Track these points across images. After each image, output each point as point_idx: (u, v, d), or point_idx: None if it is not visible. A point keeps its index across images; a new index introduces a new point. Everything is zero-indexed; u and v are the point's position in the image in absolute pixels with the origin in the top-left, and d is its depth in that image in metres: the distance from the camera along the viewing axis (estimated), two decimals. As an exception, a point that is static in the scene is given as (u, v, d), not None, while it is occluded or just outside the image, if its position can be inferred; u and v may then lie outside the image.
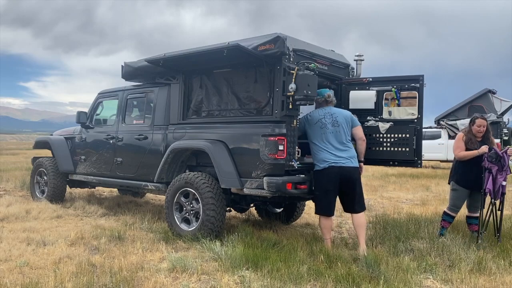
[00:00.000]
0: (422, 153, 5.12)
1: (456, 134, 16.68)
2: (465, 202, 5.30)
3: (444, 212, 5.31)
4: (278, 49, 4.52)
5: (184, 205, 5.22)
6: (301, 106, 4.73)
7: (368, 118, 5.32)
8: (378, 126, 5.21)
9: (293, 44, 4.70)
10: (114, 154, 6.49)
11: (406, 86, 5.07)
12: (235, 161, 4.87)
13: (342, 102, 5.45)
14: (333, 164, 4.51)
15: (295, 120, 4.66)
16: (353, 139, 4.82)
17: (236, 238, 4.78)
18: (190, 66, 5.51)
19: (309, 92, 4.40)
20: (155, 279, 3.66)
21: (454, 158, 5.33)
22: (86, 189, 8.39)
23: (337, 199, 4.72)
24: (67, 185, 7.59)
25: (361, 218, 4.65)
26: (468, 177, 5.06)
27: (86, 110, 7.27)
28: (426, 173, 15.20)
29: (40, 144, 8.09)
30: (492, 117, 15.94)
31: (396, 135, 5.08)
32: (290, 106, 4.51)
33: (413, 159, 5.07)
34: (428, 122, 19.90)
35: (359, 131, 4.82)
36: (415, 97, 5.03)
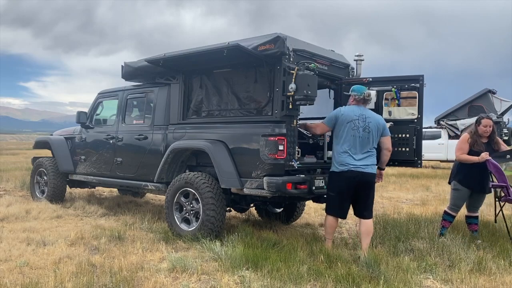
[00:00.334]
0: (422, 153, 5.11)
1: (456, 134, 16.71)
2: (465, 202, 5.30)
3: (445, 212, 5.31)
4: (278, 49, 4.52)
5: (184, 205, 5.22)
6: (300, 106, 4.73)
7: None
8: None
9: (293, 44, 4.70)
10: (114, 154, 6.49)
11: (406, 86, 5.07)
12: (235, 161, 4.87)
13: (342, 102, 5.44)
14: (352, 169, 4.38)
15: (295, 120, 4.66)
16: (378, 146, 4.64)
17: (236, 238, 4.77)
18: (190, 66, 5.51)
19: (309, 92, 4.40)
20: (155, 279, 3.66)
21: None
22: (86, 189, 8.39)
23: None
24: (67, 185, 7.60)
25: (370, 225, 4.54)
26: (471, 177, 5.06)
27: (86, 110, 7.27)
28: (426, 173, 15.21)
29: (40, 144, 8.09)
30: (492, 117, 15.90)
31: (396, 135, 5.07)
32: (290, 106, 4.51)
33: (413, 159, 5.06)
34: (428, 122, 19.89)
35: (387, 141, 4.61)
36: (415, 97, 5.02)
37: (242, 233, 4.89)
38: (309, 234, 5.51)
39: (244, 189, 4.78)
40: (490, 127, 5.08)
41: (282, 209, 6.42)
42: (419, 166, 5.12)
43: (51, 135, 8.07)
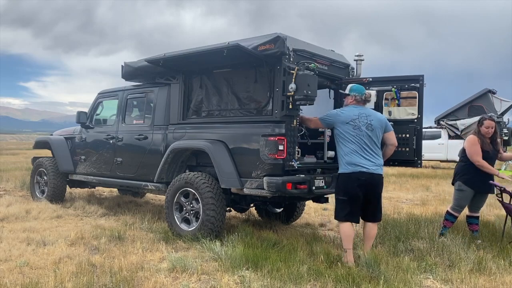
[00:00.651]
0: (422, 153, 5.11)
1: (456, 134, 16.70)
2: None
3: (447, 212, 5.30)
4: (278, 49, 4.51)
5: (184, 205, 5.22)
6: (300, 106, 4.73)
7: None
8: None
9: (293, 44, 4.70)
10: (114, 154, 6.49)
11: (406, 86, 5.06)
12: (235, 161, 4.87)
13: (343, 102, 5.44)
14: (364, 170, 4.18)
15: (295, 120, 4.66)
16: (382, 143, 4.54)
17: (236, 238, 4.77)
18: (190, 66, 5.51)
19: (309, 92, 4.39)
20: (155, 279, 3.66)
21: (460, 159, 5.30)
22: (86, 189, 8.40)
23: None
24: (67, 185, 7.60)
25: (375, 229, 4.44)
26: (477, 178, 5.05)
27: (86, 110, 7.27)
28: (426, 173, 15.21)
29: (40, 144, 8.09)
30: (492, 117, 15.90)
31: (396, 135, 5.07)
32: (290, 106, 4.51)
33: (413, 159, 5.06)
34: (428, 122, 19.86)
35: (392, 136, 4.49)
36: (415, 97, 5.02)
37: (242, 233, 4.89)
38: (309, 234, 5.51)
39: (244, 189, 4.78)
40: (492, 128, 5.08)
41: (282, 209, 6.42)
42: (419, 166, 5.11)
43: (51, 135, 8.07)
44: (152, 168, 5.75)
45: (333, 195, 4.61)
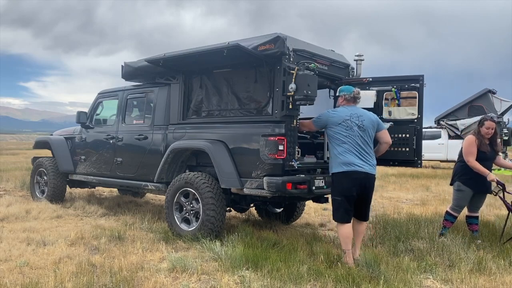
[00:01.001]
0: (422, 153, 5.11)
1: (456, 134, 16.70)
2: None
3: (447, 212, 5.30)
4: (278, 49, 4.51)
5: (184, 205, 5.22)
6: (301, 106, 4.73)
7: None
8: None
9: (293, 44, 4.70)
10: (114, 154, 6.49)
11: (406, 86, 5.07)
12: (235, 161, 4.87)
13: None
14: (358, 169, 4.17)
15: (295, 120, 4.66)
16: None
17: (236, 238, 4.77)
18: (190, 66, 5.51)
19: (309, 92, 4.39)
20: (155, 279, 3.66)
21: (458, 159, 5.30)
22: (86, 189, 8.40)
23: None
24: (67, 185, 7.60)
25: (364, 225, 4.49)
26: (476, 178, 5.04)
27: (86, 110, 7.27)
28: (426, 173, 15.20)
29: (40, 144, 8.09)
30: (494, 118, 15.89)
31: (396, 135, 5.07)
32: (290, 106, 4.51)
33: (413, 159, 5.06)
34: (428, 122, 19.86)
35: (385, 135, 4.48)
36: (415, 97, 5.02)
37: (242, 233, 4.89)
38: (309, 234, 5.51)
39: (244, 189, 4.78)
40: (492, 129, 5.07)
41: (282, 209, 6.42)
42: (419, 166, 5.11)
43: (51, 135, 8.07)
44: (152, 168, 5.75)
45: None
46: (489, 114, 5.63)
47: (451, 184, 5.36)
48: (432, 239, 4.89)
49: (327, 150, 5.29)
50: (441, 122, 17.55)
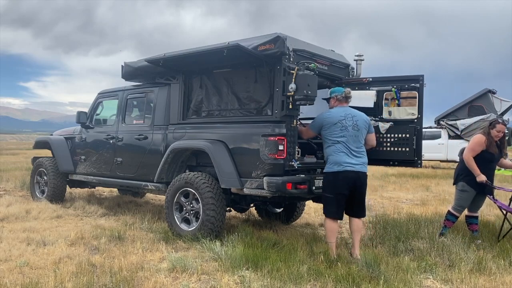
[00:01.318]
0: (422, 153, 5.11)
1: (456, 134, 16.70)
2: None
3: (449, 212, 5.30)
4: (278, 49, 4.52)
5: (184, 205, 5.22)
6: (300, 106, 4.73)
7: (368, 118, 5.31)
8: (378, 126, 5.21)
9: (293, 44, 4.70)
10: (114, 154, 6.49)
11: (406, 86, 5.07)
12: (235, 161, 4.87)
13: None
14: (348, 168, 4.31)
15: (295, 120, 4.66)
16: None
17: (236, 238, 4.77)
18: (190, 66, 5.51)
19: (309, 92, 4.40)
20: (155, 279, 3.66)
21: (462, 159, 5.30)
22: (86, 189, 8.39)
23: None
24: (67, 185, 7.60)
25: (361, 223, 4.57)
26: None
27: (86, 110, 7.27)
28: (426, 173, 15.20)
29: (40, 144, 8.09)
30: (492, 117, 15.94)
31: (396, 135, 5.07)
32: (290, 106, 4.51)
33: (413, 159, 5.06)
34: (428, 122, 19.87)
35: (372, 137, 4.68)
36: (415, 97, 5.02)
37: (242, 233, 4.89)
38: (309, 234, 5.52)
39: (244, 189, 4.78)
40: (502, 133, 5.06)
41: (282, 209, 6.42)
42: (419, 166, 5.11)
43: (51, 135, 8.07)
44: (152, 168, 5.75)
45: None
46: (501, 118, 5.63)
47: (454, 184, 5.36)
48: (432, 239, 4.89)
49: None
50: (441, 122, 17.55)
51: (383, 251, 4.60)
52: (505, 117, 16.72)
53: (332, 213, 4.44)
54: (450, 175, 5.44)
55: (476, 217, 5.33)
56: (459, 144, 16.42)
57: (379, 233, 5.36)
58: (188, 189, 5.13)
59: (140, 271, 3.89)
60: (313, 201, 5.70)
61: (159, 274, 3.81)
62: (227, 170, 4.86)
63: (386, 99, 5.18)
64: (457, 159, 15.83)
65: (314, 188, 4.74)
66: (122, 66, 6.50)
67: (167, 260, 4.20)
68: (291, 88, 4.41)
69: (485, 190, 5.14)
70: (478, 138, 5.11)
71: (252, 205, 5.89)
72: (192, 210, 5.15)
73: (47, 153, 8.05)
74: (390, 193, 10.05)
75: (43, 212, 6.54)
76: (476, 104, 16.85)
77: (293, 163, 4.63)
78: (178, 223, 5.26)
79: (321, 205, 6.97)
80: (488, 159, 5.04)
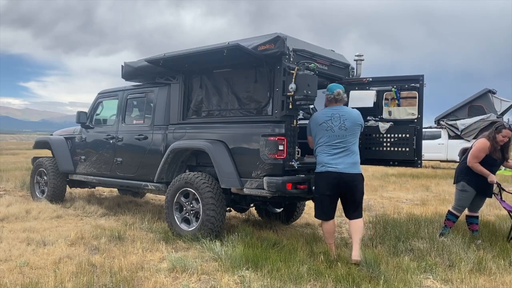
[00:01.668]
0: (422, 153, 5.11)
1: (456, 134, 16.71)
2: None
3: (449, 212, 5.30)
4: (278, 49, 4.52)
5: (184, 205, 5.22)
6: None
7: (368, 118, 5.31)
8: (378, 126, 5.21)
9: (293, 44, 4.70)
10: (114, 154, 6.49)
11: (406, 86, 5.06)
12: (235, 161, 4.87)
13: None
14: (330, 169, 4.26)
15: (295, 120, 4.66)
16: None
17: (236, 238, 4.77)
18: (190, 66, 5.50)
19: (309, 92, 4.40)
20: (155, 279, 3.66)
21: (463, 160, 5.29)
22: (86, 189, 8.40)
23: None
24: (67, 185, 7.60)
25: (358, 223, 4.39)
26: (481, 180, 5.03)
27: (86, 110, 7.27)
28: (426, 173, 15.20)
29: (40, 144, 8.09)
30: (492, 117, 15.95)
31: (396, 135, 5.07)
32: (290, 106, 4.51)
33: (413, 159, 5.06)
34: (428, 122, 19.89)
35: None
36: (415, 97, 5.02)
37: (242, 233, 4.89)
38: (309, 234, 5.52)
39: (244, 189, 4.78)
40: (508, 138, 5.00)
41: (282, 209, 6.42)
42: (419, 166, 5.11)
43: (51, 135, 8.07)
44: (152, 168, 5.75)
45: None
46: (508, 123, 5.59)
47: (454, 183, 5.36)
48: (432, 239, 4.89)
49: None
50: (441, 122, 17.56)
51: (383, 251, 4.60)
52: (505, 117, 16.73)
53: (318, 213, 4.47)
54: (450, 175, 5.44)
55: (477, 217, 5.33)
56: (459, 144, 16.44)
57: (379, 233, 5.36)
58: (188, 189, 5.13)
59: (140, 271, 3.89)
60: (313, 201, 5.70)
61: (159, 274, 3.81)
62: (227, 170, 4.86)
63: (386, 99, 5.18)
64: (457, 159, 15.89)
65: (314, 188, 4.73)
66: (122, 66, 6.50)
67: (167, 260, 4.20)
68: (291, 88, 4.41)
69: (486, 193, 5.14)
70: (482, 144, 5.02)
71: (252, 205, 5.89)
72: (192, 210, 5.15)
73: (47, 153, 8.05)
74: (390, 193, 10.05)
75: (43, 212, 6.54)
76: (476, 104, 16.87)
77: (293, 163, 4.63)
78: (178, 223, 5.26)
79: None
80: (490, 164, 5.02)
